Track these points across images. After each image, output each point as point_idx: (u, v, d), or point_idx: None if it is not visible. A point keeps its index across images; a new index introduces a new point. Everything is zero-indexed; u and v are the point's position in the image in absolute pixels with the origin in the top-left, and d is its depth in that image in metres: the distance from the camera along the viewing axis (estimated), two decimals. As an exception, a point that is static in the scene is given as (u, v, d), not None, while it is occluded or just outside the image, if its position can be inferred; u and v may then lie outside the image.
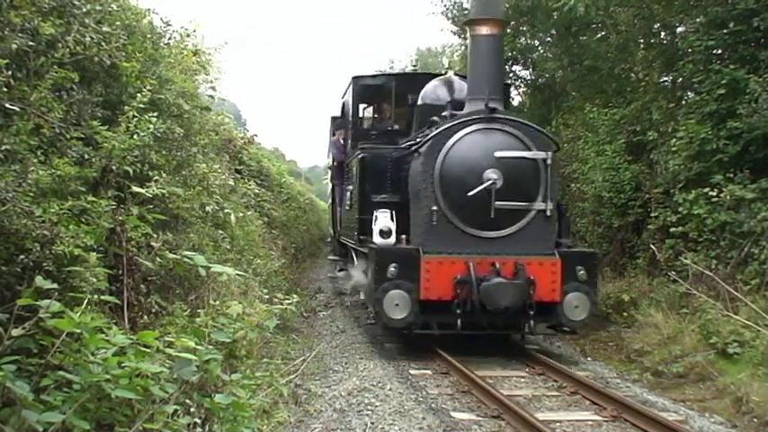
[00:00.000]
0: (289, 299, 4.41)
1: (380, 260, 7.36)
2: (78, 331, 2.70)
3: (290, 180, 20.54)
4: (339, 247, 12.57)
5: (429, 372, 7.17)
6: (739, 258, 8.32)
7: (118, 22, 5.00)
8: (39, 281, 2.75)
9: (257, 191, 10.45)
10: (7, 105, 3.54)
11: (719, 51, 9.96)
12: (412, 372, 7.05)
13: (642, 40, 12.61)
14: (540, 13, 13.75)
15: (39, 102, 3.78)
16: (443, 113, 8.41)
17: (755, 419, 5.73)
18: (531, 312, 7.25)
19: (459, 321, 7.16)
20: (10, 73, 3.54)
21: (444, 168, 7.54)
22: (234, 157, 9.87)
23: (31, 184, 3.45)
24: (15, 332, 2.65)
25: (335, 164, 12.30)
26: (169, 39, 6.63)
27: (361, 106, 11.28)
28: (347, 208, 10.15)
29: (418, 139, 8.35)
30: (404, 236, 7.79)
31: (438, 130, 7.69)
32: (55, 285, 2.78)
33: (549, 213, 7.62)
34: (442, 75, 10.06)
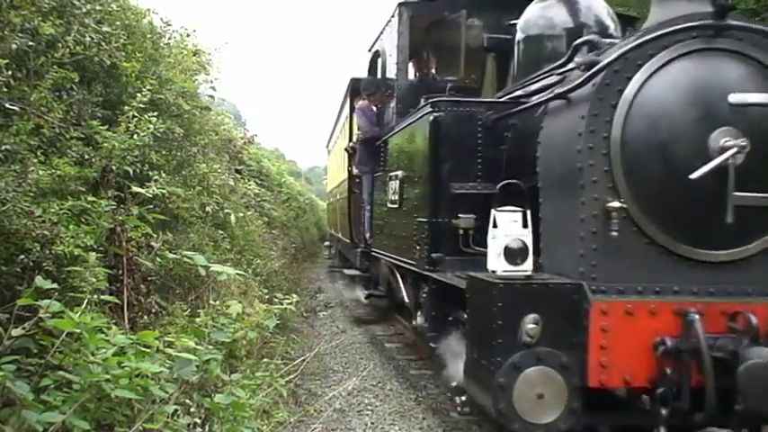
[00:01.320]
0: (289, 299, 4.42)
1: (507, 308, 3.63)
2: (78, 331, 2.70)
3: (290, 180, 20.59)
4: (362, 259, 9.23)
5: None
6: (739, 258, 8.29)
7: (118, 22, 5.00)
8: (39, 281, 2.75)
9: (257, 191, 10.47)
10: (7, 105, 3.55)
11: (719, 51, 9.98)
12: None
13: (642, 40, 12.62)
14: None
15: (39, 102, 3.79)
16: (580, 42, 4.46)
17: (755, 419, 5.72)
18: None
19: (663, 430, 3.54)
20: (10, 73, 3.54)
21: (630, 128, 3.72)
22: (234, 157, 9.86)
23: (31, 184, 3.45)
24: (15, 332, 2.65)
25: (362, 141, 8.55)
26: (169, 39, 6.64)
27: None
28: (392, 205, 6.71)
29: (552, 79, 4.66)
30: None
31: (620, 51, 3.74)
32: (55, 285, 2.78)
33: None
34: None
